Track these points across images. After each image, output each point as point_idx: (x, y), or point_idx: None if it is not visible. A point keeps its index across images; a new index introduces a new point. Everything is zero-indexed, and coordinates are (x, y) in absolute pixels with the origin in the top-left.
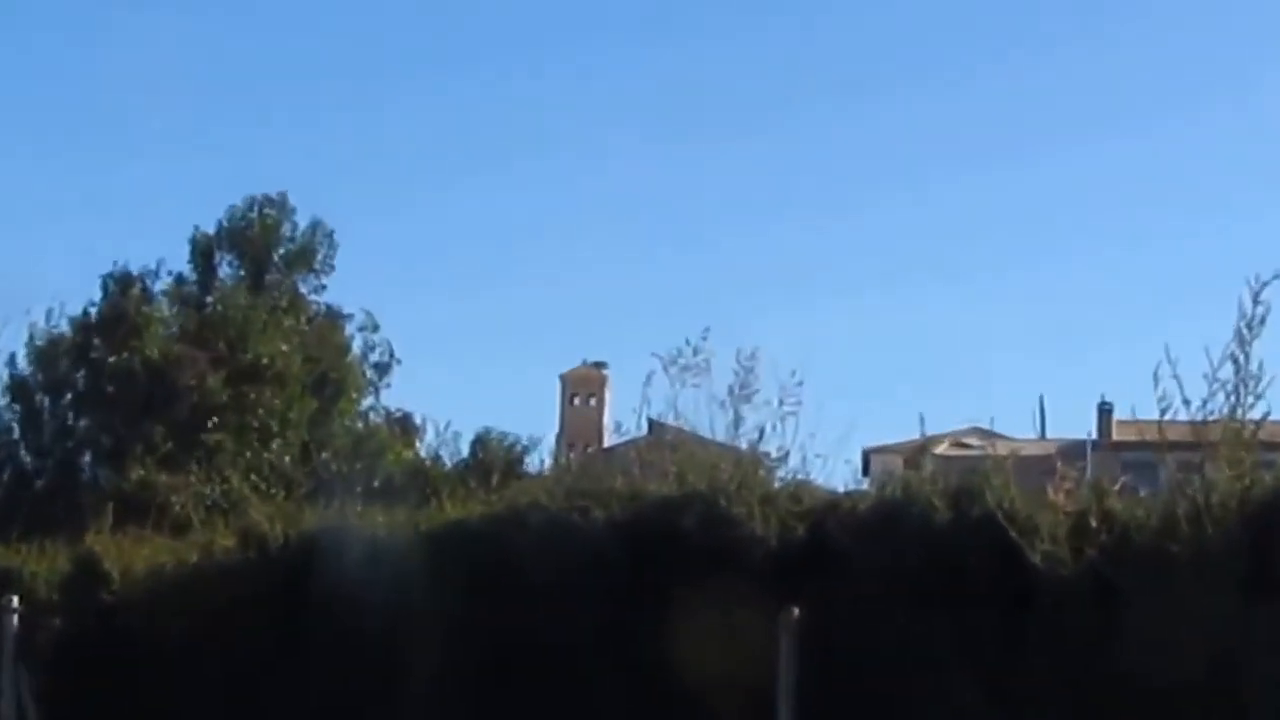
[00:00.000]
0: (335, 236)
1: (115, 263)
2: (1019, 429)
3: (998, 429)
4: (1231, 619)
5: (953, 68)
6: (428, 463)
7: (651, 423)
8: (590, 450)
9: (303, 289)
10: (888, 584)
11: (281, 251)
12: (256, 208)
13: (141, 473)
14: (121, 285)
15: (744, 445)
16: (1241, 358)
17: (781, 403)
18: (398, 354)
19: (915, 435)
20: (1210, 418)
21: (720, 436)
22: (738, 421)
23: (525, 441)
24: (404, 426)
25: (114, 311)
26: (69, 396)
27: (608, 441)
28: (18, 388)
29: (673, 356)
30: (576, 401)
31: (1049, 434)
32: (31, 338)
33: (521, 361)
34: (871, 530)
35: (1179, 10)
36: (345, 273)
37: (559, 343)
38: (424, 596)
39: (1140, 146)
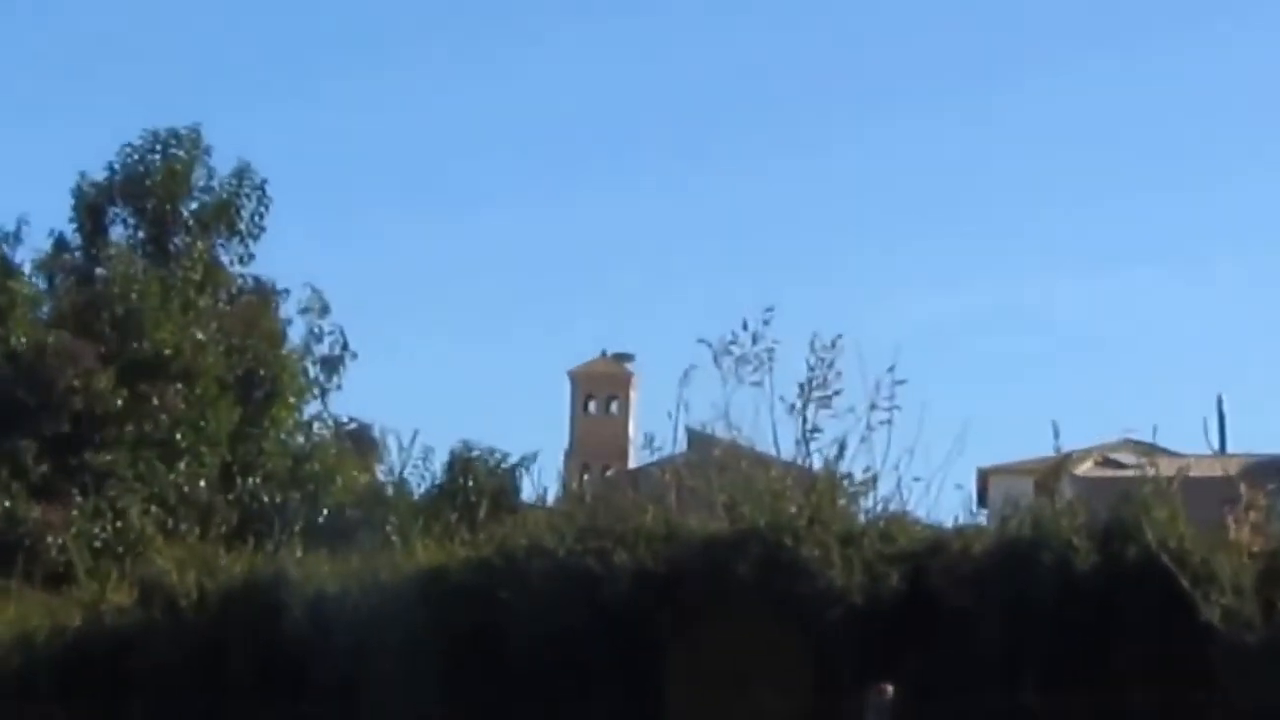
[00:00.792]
0: (267, 187)
1: None
2: (1188, 442)
3: (1160, 442)
4: None
5: None
6: (390, 490)
7: (692, 434)
8: (610, 472)
9: (223, 257)
10: (1011, 653)
11: (194, 206)
12: (159, 147)
13: (7, 504)
14: None
15: (818, 465)
16: None
17: (872, 408)
18: (351, 345)
19: (1048, 451)
20: None
21: (786, 453)
22: (810, 433)
23: (522, 460)
24: (358, 441)
25: None
26: None
27: (634, 460)
28: None
29: (724, 345)
30: (592, 407)
31: (1229, 448)
32: None
33: (519, 354)
34: (990, 579)
35: None
36: (280, 236)
37: (570, 329)
38: (385, 677)
39: None
